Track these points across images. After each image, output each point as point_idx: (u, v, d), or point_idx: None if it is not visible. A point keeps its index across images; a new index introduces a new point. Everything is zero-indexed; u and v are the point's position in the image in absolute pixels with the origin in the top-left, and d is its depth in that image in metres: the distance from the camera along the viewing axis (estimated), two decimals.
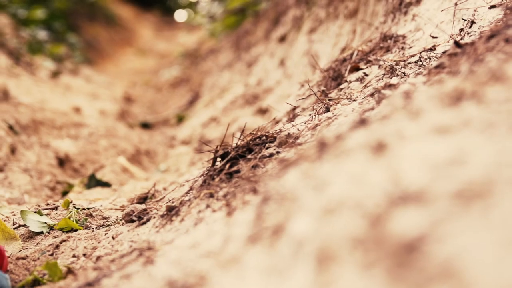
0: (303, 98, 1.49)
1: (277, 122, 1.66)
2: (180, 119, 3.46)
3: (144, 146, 2.77)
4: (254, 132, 1.16)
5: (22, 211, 1.30)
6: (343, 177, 0.56)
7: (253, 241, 0.63)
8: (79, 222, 1.30)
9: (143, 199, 1.52)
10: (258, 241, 0.62)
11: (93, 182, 1.90)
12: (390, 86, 1.05)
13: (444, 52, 1.15)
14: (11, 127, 2.27)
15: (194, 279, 0.66)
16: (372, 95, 1.11)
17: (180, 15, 10.80)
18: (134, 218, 1.17)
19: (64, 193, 1.92)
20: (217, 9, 6.47)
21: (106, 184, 1.91)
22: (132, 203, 1.50)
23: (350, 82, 1.39)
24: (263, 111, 2.55)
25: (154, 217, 1.12)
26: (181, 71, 5.76)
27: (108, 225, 1.27)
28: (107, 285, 0.81)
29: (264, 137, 1.14)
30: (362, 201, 0.50)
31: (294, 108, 1.60)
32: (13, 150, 2.11)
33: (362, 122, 0.67)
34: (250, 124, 2.40)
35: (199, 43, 7.15)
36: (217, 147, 1.14)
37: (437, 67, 0.98)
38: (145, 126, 3.41)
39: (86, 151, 2.46)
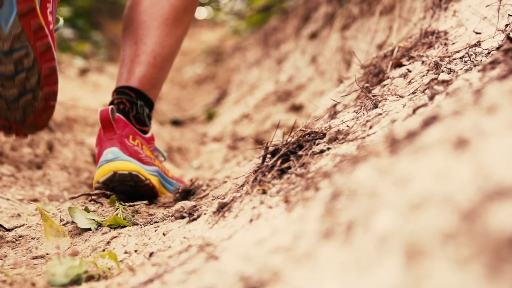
0: (346, 95, 1.49)
1: (317, 119, 1.66)
2: (210, 116, 3.47)
3: (176, 143, 2.79)
4: (304, 129, 1.17)
5: (70, 208, 1.31)
6: (426, 172, 0.56)
7: (326, 236, 0.63)
8: (126, 218, 1.31)
9: (185, 196, 1.53)
10: (331, 237, 0.62)
11: None
12: (443, 82, 1.05)
13: (498, 48, 1.14)
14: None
15: (267, 275, 0.66)
16: (423, 91, 1.11)
17: (201, 12, 10.80)
18: (185, 214, 1.18)
19: None
20: (240, 6, 6.48)
21: None
22: (175, 200, 1.51)
23: (394, 78, 1.39)
24: (296, 108, 2.56)
25: (205, 214, 1.13)
26: (205, 68, 5.77)
27: (156, 222, 1.28)
28: (170, 281, 0.82)
29: (313, 134, 1.15)
30: (451, 196, 0.50)
31: (335, 105, 1.60)
32: (50, 148, 2.13)
33: (434, 117, 0.67)
34: (284, 121, 2.40)
35: (221, 40, 7.15)
36: (267, 144, 1.14)
37: (492, 62, 0.97)
38: (175, 123, 3.42)
39: None
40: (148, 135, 1.63)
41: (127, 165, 1.48)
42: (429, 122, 0.67)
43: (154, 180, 1.55)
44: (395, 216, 0.53)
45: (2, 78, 1.21)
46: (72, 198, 1.53)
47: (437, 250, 0.47)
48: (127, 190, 1.52)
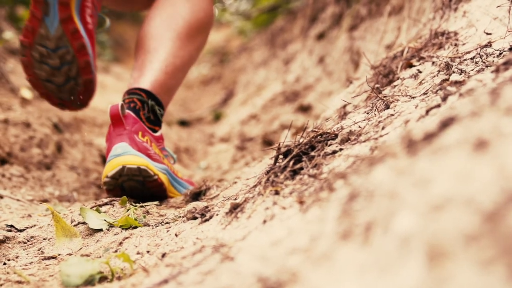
0: (356, 96, 1.49)
1: (327, 119, 1.66)
2: (217, 116, 3.47)
3: (183, 144, 2.79)
4: (316, 129, 1.17)
5: (81, 208, 1.31)
6: (446, 174, 0.56)
7: (344, 237, 0.63)
8: (138, 219, 1.31)
9: (196, 197, 1.53)
10: (349, 238, 0.62)
11: None
12: (455, 83, 1.05)
13: (511, 49, 1.14)
14: (55, 125, 2.29)
15: (286, 275, 0.66)
16: (436, 92, 1.11)
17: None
18: (197, 215, 1.18)
19: None
20: (246, 7, 6.48)
21: None
22: (186, 201, 1.51)
23: (404, 79, 1.39)
24: (304, 109, 2.56)
25: (217, 215, 1.13)
26: (210, 69, 5.77)
27: (167, 222, 1.28)
28: (186, 282, 0.82)
29: (325, 134, 1.15)
30: (473, 198, 0.50)
31: (345, 106, 1.60)
32: (59, 148, 2.14)
33: (452, 119, 0.67)
34: (292, 121, 2.40)
35: (226, 41, 7.15)
36: (279, 144, 1.14)
37: (505, 63, 0.97)
38: (183, 123, 3.42)
39: None
40: (158, 133, 1.67)
41: (136, 159, 1.50)
42: (447, 123, 0.67)
43: (163, 177, 1.58)
44: (416, 217, 0.53)
45: (52, 69, 1.59)
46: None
47: (460, 251, 0.47)
48: (135, 187, 1.54)
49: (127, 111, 1.54)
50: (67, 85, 1.64)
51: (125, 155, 1.50)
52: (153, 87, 1.63)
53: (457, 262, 0.47)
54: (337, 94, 2.13)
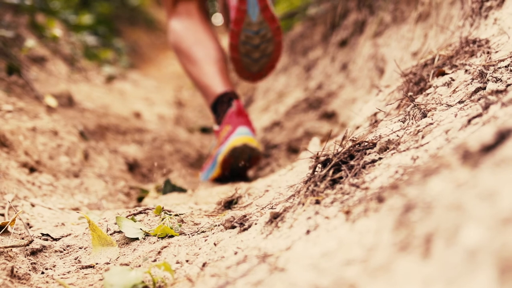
0: (389, 104, 1.48)
1: (357, 128, 1.66)
2: None
3: (206, 151, 2.79)
4: (354, 138, 1.17)
5: (117, 217, 1.32)
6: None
7: (402, 249, 0.63)
8: (173, 228, 1.31)
9: (228, 205, 1.53)
10: (408, 250, 0.62)
11: (169, 187, 1.91)
12: (497, 92, 1.05)
13: None
14: (81, 133, 2.30)
15: (344, 287, 0.66)
16: (478, 100, 1.11)
17: (219, 19, 10.78)
18: (235, 224, 1.18)
19: (140, 199, 1.94)
20: None
21: (181, 190, 1.92)
22: (218, 209, 1.51)
23: (437, 87, 1.38)
24: (328, 116, 2.55)
25: (256, 224, 1.13)
26: None
27: (203, 231, 1.28)
28: None
29: (364, 143, 1.14)
30: None
31: (376, 113, 1.60)
32: (86, 156, 2.14)
33: (510, 130, 0.67)
34: (317, 128, 2.40)
35: None
36: (317, 153, 1.14)
37: None
38: (204, 130, 3.43)
39: (152, 156, 2.49)
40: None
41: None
42: (505, 134, 0.67)
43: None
44: (484, 230, 0.53)
45: (252, 47, 2.08)
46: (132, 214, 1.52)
47: None
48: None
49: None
50: (260, 61, 2.14)
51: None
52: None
53: None
54: (363, 102, 2.13)
